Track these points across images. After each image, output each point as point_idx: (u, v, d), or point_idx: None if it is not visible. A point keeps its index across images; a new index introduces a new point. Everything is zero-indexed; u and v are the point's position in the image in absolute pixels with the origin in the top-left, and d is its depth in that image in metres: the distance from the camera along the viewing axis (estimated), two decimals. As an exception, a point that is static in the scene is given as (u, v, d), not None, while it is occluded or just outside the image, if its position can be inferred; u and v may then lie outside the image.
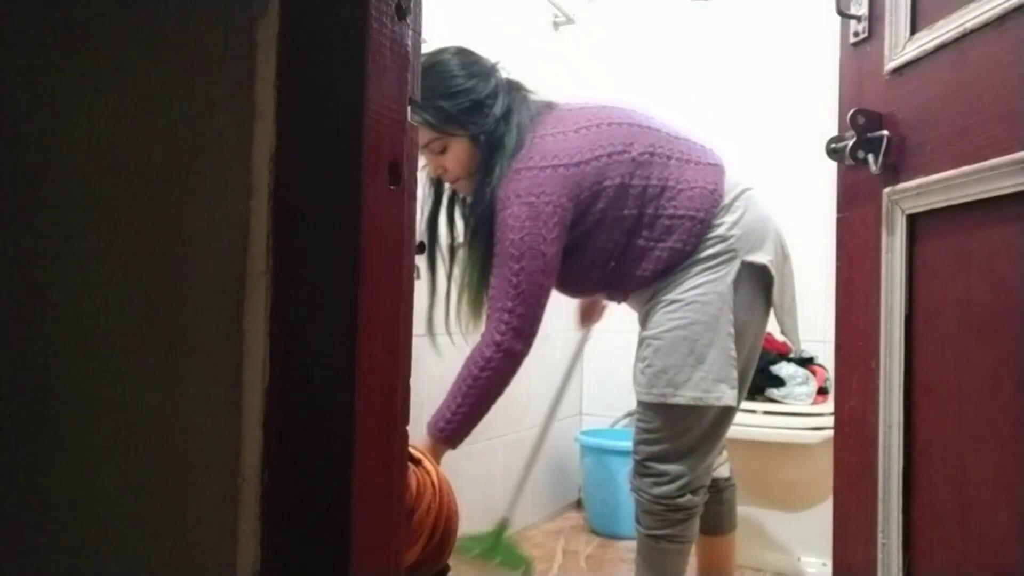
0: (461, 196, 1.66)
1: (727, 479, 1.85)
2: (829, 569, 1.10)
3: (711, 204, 1.50)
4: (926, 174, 0.88)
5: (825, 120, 1.18)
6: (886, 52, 0.97)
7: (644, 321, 1.57)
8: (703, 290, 1.50)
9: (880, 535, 0.94)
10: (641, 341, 1.56)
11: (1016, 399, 0.77)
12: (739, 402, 1.54)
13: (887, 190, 0.95)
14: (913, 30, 0.93)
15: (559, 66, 2.81)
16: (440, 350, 1.85)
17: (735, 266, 1.49)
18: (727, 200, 1.52)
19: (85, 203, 0.64)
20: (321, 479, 0.58)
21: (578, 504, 2.89)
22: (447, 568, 1.28)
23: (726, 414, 1.53)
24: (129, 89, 0.63)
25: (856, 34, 1.04)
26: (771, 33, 2.72)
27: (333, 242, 0.58)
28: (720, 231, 1.51)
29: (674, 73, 2.88)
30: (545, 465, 2.73)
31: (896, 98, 0.95)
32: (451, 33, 2.16)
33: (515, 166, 1.46)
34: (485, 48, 2.27)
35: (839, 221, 1.08)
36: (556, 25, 2.77)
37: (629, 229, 1.50)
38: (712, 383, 1.48)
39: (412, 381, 0.68)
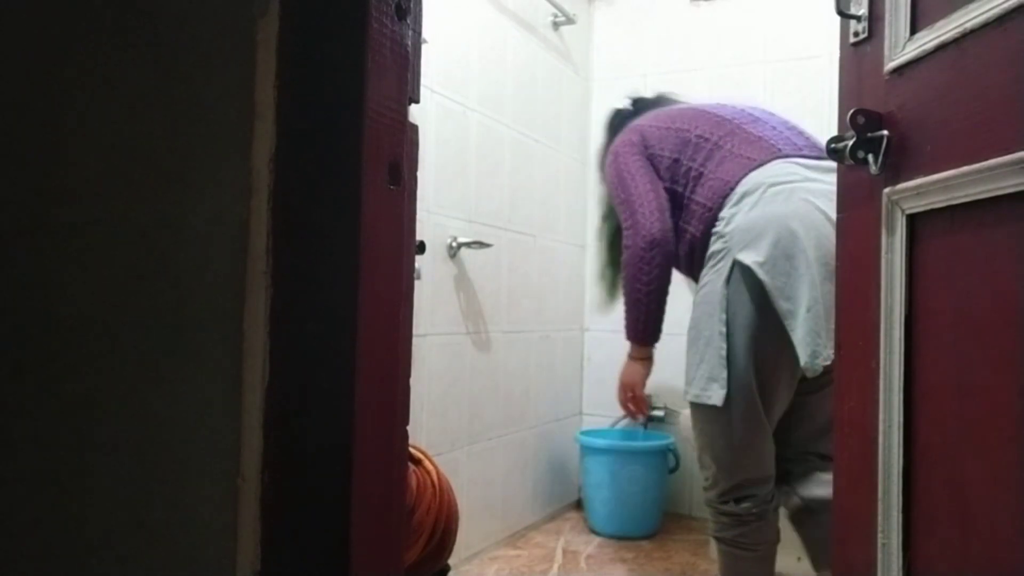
0: None
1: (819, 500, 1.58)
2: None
3: (721, 196, 1.53)
4: (926, 174, 0.88)
5: (825, 120, 1.18)
6: (886, 52, 0.97)
7: None
8: (707, 289, 1.54)
9: (880, 535, 0.94)
10: None
11: (1016, 399, 0.77)
12: (753, 408, 1.49)
13: (887, 190, 0.95)
14: (913, 30, 0.93)
15: (559, 66, 2.82)
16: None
17: (728, 263, 1.50)
18: (737, 194, 1.52)
19: (85, 203, 0.64)
20: (321, 479, 0.58)
21: (578, 504, 2.89)
22: (447, 568, 1.28)
23: (717, 415, 1.52)
24: (129, 89, 0.63)
25: (856, 34, 1.03)
26: (771, 33, 2.72)
27: (333, 242, 0.58)
28: (719, 227, 1.53)
29: (674, 73, 2.88)
30: (545, 465, 2.73)
31: (896, 98, 0.95)
32: (451, 33, 2.16)
33: None
34: (485, 48, 2.27)
35: (839, 221, 1.08)
36: (556, 25, 2.77)
37: (677, 205, 1.64)
38: (707, 381, 1.50)
39: (412, 381, 0.68)
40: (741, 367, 1.50)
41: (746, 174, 1.53)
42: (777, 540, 1.61)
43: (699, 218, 1.58)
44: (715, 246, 1.53)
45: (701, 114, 1.69)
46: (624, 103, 1.97)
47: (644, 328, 1.69)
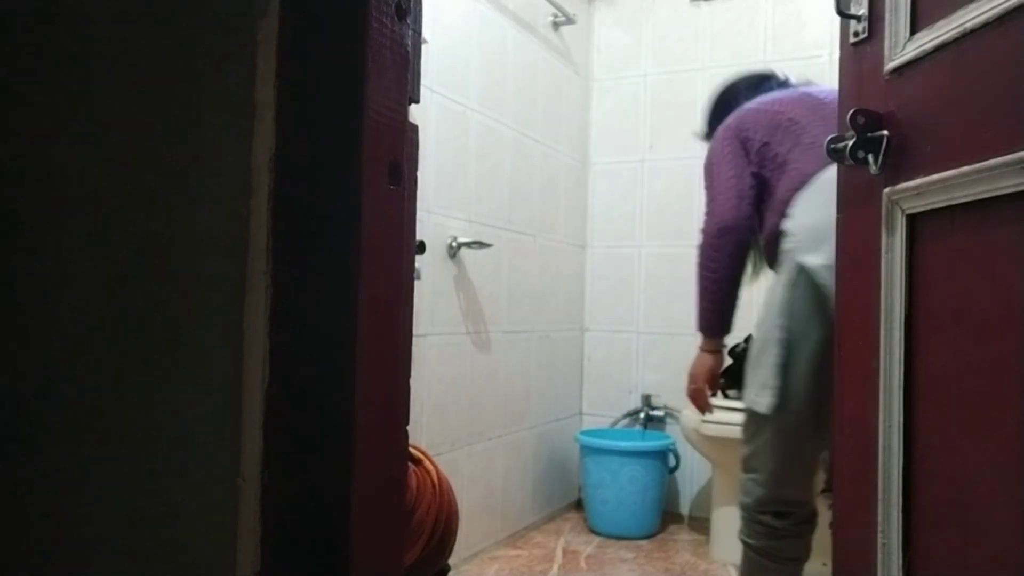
0: None
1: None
2: (829, 569, 1.10)
3: (792, 189, 1.45)
4: (926, 174, 0.88)
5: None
6: (886, 52, 0.97)
7: None
8: (771, 290, 1.48)
9: (880, 535, 0.94)
10: None
11: (1016, 399, 0.77)
12: (805, 423, 1.40)
13: (887, 190, 0.95)
14: (913, 30, 0.93)
15: (559, 66, 2.82)
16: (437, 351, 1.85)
17: (792, 265, 1.40)
18: (812, 189, 1.40)
19: (85, 203, 0.64)
20: (321, 479, 0.58)
21: (578, 504, 2.89)
22: (447, 568, 1.28)
23: (765, 423, 1.44)
24: (129, 88, 0.63)
25: (856, 34, 1.03)
26: (771, 33, 2.72)
27: (333, 242, 0.58)
28: (788, 223, 1.44)
29: (674, 73, 2.88)
30: (545, 465, 2.73)
31: (896, 98, 0.95)
32: (452, 33, 2.16)
33: None
34: (485, 48, 2.27)
35: (839, 221, 1.08)
36: (556, 25, 2.77)
37: (765, 192, 1.55)
38: (760, 387, 1.43)
39: (412, 381, 0.68)
40: (798, 378, 1.39)
41: (827, 167, 1.34)
42: (807, 558, 1.52)
43: (775, 210, 1.48)
44: (783, 244, 1.43)
45: (803, 96, 1.58)
46: (732, 79, 1.85)
47: (711, 317, 1.63)
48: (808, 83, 1.78)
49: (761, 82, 1.78)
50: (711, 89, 1.89)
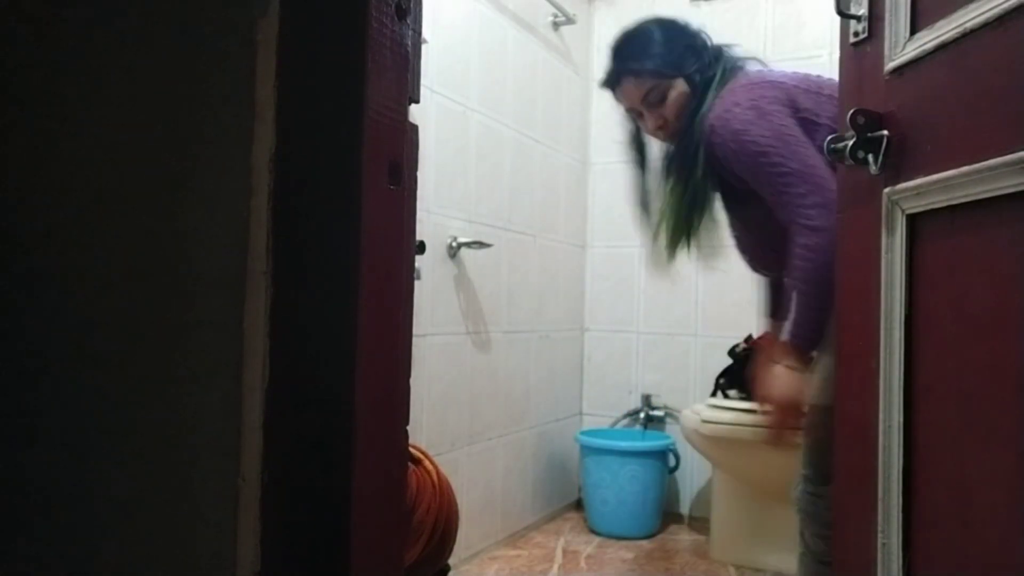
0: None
1: None
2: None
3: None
4: (926, 174, 0.88)
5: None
6: (886, 52, 0.97)
7: None
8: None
9: (880, 535, 0.94)
10: None
11: (1016, 399, 0.77)
12: None
13: (887, 190, 0.95)
14: (913, 30, 0.93)
15: (559, 66, 2.82)
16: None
17: None
18: None
19: (85, 203, 0.64)
20: (321, 479, 0.58)
21: (578, 504, 2.89)
22: (447, 568, 1.28)
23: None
24: (129, 89, 0.63)
25: (856, 34, 1.03)
26: (771, 33, 2.72)
27: (333, 242, 0.58)
28: None
29: (674, 73, 2.87)
30: (545, 465, 2.73)
31: (896, 98, 0.95)
32: (452, 33, 2.16)
33: (724, 91, 1.48)
34: (485, 48, 2.27)
35: (839, 221, 1.08)
36: (556, 25, 2.77)
37: None
38: (823, 382, 1.34)
39: (412, 381, 0.68)
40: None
41: None
42: None
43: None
44: None
45: (809, 73, 1.49)
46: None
47: (821, 330, 1.34)
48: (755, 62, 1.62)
49: (690, 37, 1.59)
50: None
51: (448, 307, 2.17)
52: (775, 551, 2.29)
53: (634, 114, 1.62)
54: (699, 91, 1.52)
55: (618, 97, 1.63)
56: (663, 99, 1.54)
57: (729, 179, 1.49)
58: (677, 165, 1.56)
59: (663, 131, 1.57)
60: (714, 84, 1.51)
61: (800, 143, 1.37)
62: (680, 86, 1.53)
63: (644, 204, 1.69)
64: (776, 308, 1.65)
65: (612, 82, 1.60)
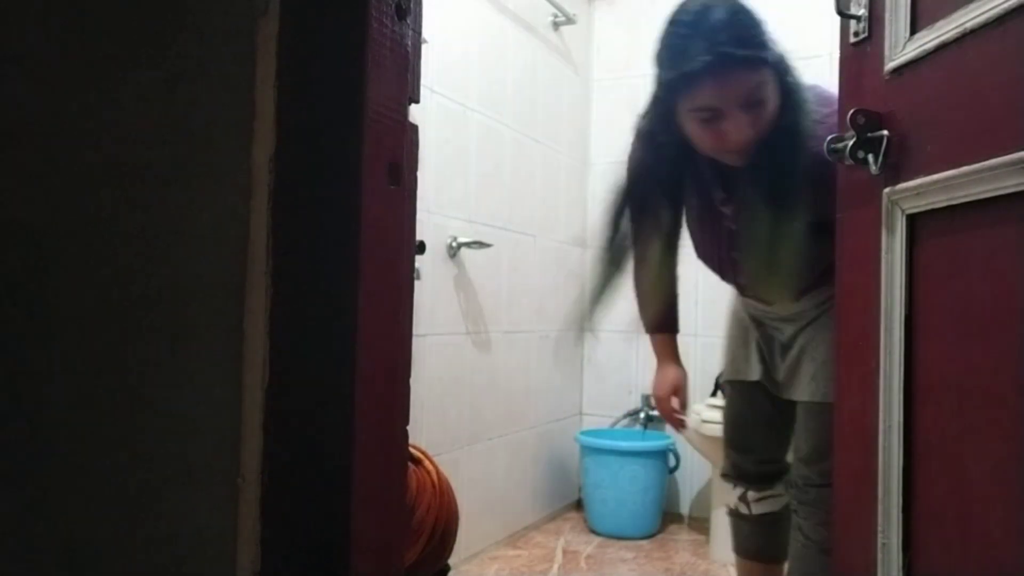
0: None
1: None
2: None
3: None
4: (926, 174, 0.88)
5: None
6: (886, 52, 0.97)
7: None
8: None
9: (880, 535, 0.94)
10: None
11: (1016, 399, 0.77)
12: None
13: (887, 190, 0.95)
14: (913, 30, 0.93)
15: (559, 66, 2.81)
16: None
17: None
18: None
19: (85, 203, 0.64)
20: (321, 479, 0.58)
21: (578, 504, 2.89)
22: (447, 568, 1.28)
23: None
24: (129, 89, 0.63)
25: (856, 34, 1.03)
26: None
27: (333, 242, 0.58)
28: None
29: (674, 73, 2.87)
30: (545, 465, 2.73)
31: (896, 98, 0.95)
32: (451, 33, 2.16)
33: (814, 97, 1.26)
34: (485, 48, 2.27)
35: (839, 221, 1.08)
36: (556, 25, 2.77)
37: None
38: None
39: (412, 381, 0.68)
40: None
41: None
42: None
43: None
44: None
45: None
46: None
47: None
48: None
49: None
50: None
51: (448, 307, 2.17)
52: (775, 551, 2.28)
53: (707, 115, 1.23)
54: (792, 94, 1.25)
55: (699, 90, 1.21)
56: (762, 100, 1.21)
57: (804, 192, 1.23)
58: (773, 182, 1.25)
59: (747, 140, 1.24)
60: (799, 88, 1.26)
61: None
62: (774, 88, 1.23)
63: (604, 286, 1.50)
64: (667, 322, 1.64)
65: (714, 69, 1.17)
